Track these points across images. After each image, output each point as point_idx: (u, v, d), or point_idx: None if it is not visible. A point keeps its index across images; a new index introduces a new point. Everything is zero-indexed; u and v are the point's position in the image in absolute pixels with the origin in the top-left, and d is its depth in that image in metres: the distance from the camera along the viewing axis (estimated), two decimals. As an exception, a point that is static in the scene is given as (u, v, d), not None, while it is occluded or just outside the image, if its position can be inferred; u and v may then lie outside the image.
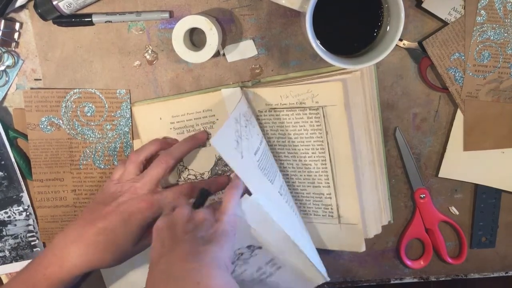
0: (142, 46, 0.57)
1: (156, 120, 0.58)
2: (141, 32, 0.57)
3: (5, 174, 0.60)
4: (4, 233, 0.62)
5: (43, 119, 0.59)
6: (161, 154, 0.55)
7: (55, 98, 0.58)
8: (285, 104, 0.55)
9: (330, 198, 0.57)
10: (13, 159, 0.60)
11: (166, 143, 0.57)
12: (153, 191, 0.54)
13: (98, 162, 0.60)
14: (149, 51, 0.58)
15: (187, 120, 0.58)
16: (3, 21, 0.55)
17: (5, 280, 0.65)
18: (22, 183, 0.61)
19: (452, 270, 0.65)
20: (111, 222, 0.51)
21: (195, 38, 0.57)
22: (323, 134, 0.55)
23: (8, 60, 0.57)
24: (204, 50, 0.53)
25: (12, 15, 0.57)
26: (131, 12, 0.56)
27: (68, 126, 0.59)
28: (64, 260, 0.50)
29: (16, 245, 0.63)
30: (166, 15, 0.55)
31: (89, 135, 0.59)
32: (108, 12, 0.56)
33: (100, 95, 0.58)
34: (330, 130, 0.54)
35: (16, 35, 0.57)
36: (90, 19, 0.56)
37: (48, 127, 0.59)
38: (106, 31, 0.57)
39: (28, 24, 0.57)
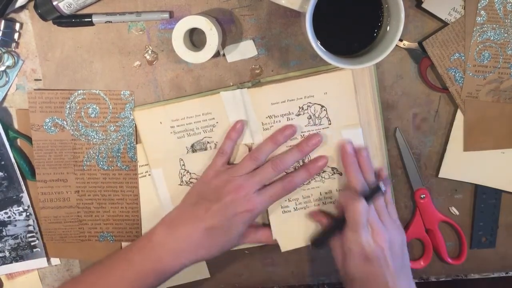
0: (142, 46, 0.57)
1: (157, 125, 0.58)
2: (141, 32, 0.57)
3: (5, 174, 0.60)
4: (4, 233, 0.62)
5: (47, 120, 0.59)
6: (275, 159, 0.56)
7: (59, 99, 0.58)
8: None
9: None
10: (13, 159, 0.60)
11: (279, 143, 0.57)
12: (259, 192, 0.55)
13: (101, 163, 0.60)
14: (149, 52, 0.58)
15: (187, 124, 0.58)
16: (3, 21, 0.55)
17: (5, 281, 0.65)
18: (22, 184, 0.61)
19: (452, 270, 0.65)
20: (218, 222, 0.54)
21: (195, 38, 0.57)
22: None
23: (8, 61, 0.57)
24: (204, 50, 0.53)
25: (12, 15, 0.57)
26: (131, 13, 0.56)
27: (72, 127, 0.59)
28: (176, 258, 0.54)
29: (16, 245, 0.63)
30: (166, 15, 0.56)
31: (92, 136, 0.59)
32: (108, 12, 0.56)
33: (104, 96, 0.58)
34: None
35: (16, 36, 0.57)
36: (90, 19, 0.56)
37: (52, 128, 0.59)
38: (106, 31, 0.57)
39: (28, 24, 0.57)
